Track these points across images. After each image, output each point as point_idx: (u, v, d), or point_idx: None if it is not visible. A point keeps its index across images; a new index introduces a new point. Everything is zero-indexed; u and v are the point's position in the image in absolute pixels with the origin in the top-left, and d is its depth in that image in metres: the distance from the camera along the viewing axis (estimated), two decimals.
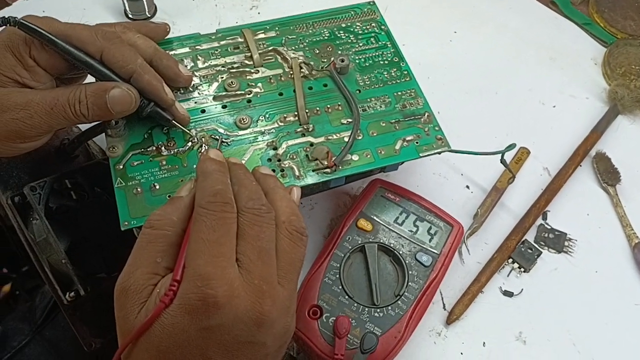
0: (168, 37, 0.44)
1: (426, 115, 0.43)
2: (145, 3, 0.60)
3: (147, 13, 0.61)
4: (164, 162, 0.39)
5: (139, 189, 0.38)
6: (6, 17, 0.34)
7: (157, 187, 0.38)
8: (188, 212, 0.31)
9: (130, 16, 0.61)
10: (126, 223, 0.37)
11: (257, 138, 0.41)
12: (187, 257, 0.29)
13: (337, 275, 0.42)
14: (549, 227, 0.51)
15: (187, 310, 0.27)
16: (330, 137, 0.41)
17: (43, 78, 0.37)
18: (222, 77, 0.43)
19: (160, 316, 0.27)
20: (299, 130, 0.42)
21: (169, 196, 0.38)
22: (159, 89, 0.38)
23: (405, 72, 0.46)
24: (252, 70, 0.44)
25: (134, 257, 0.30)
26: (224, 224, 0.29)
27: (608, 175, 0.54)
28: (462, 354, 0.45)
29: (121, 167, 0.39)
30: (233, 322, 0.28)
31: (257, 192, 0.32)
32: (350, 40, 0.47)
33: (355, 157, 0.41)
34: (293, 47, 0.46)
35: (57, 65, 0.37)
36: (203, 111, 0.42)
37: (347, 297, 0.41)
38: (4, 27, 0.35)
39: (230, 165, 0.33)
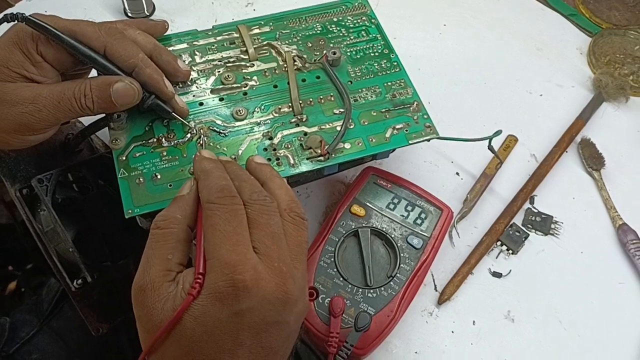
0: (167, 33, 0.46)
1: (415, 104, 0.45)
2: (144, 1, 0.62)
3: (145, 11, 0.63)
4: (165, 153, 0.41)
5: (141, 179, 0.39)
6: (14, 13, 0.36)
7: (159, 176, 0.40)
8: (191, 209, 0.33)
9: (129, 14, 0.63)
10: (130, 211, 0.38)
11: (253, 129, 0.43)
12: (208, 250, 0.30)
13: (332, 259, 0.44)
14: (536, 211, 0.53)
15: (217, 298, 0.28)
16: (323, 127, 0.43)
17: (49, 73, 0.38)
18: (219, 71, 0.45)
19: (190, 308, 0.29)
20: (293, 120, 0.43)
21: (170, 185, 0.39)
22: (160, 82, 0.40)
23: (395, 64, 0.47)
24: (248, 64, 0.46)
25: (146, 257, 0.31)
26: (236, 215, 0.31)
27: (593, 160, 0.56)
28: (453, 332, 0.47)
29: (124, 158, 0.40)
30: (261, 304, 0.29)
31: (257, 185, 0.34)
32: (341, 34, 0.49)
33: (347, 146, 0.42)
34: (287, 41, 0.47)
35: (63, 60, 0.38)
36: (201, 104, 0.43)
37: (341, 279, 0.43)
38: (12, 23, 0.37)
39: (224, 163, 0.35)
